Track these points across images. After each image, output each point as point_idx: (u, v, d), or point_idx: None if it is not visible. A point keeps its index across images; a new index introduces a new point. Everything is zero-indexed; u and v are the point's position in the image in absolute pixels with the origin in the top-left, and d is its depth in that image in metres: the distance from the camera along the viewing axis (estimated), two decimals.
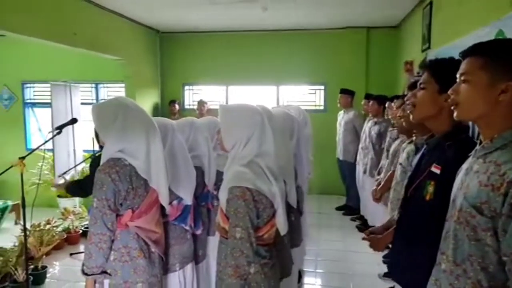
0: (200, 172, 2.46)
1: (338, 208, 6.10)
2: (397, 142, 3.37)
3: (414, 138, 2.80)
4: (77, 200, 5.73)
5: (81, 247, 4.60)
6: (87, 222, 4.92)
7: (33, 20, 4.06)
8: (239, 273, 1.53)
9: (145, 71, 6.81)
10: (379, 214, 4.04)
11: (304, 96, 7.23)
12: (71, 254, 4.36)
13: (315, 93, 7.16)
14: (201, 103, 6.72)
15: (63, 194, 6.51)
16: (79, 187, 3.02)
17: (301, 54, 6.96)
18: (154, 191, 1.93)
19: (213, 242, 2.63)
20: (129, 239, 1.87)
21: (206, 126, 2.63)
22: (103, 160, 1.86)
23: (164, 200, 1.97)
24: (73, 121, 3.22)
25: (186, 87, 7.47)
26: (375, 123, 4.81)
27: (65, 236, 4.55)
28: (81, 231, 4.78)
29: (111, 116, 1.87)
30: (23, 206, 2.98)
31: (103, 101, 2.04)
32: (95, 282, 1.85)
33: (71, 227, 4.70)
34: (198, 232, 2.44)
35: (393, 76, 6.50)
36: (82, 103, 6.26)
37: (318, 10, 5.64)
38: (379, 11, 5.66)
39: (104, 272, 1.82)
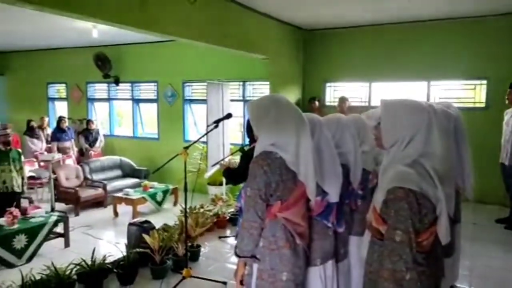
0: (345, 169, 2.42)
1: (499, 221, 5.30)
2: None
3: None
4: (224, 188, 6.26)
5: (228, 232, 5.02)
6: (233, 210, 5.35)
7: (195, 26, 4.58)
8: (396, 277, 1.46)
9: (288, 69, 7.03)
10: None
11: (457, 92, 6.48)
12: (219, 237, 4.79)
13: (474, 88, 6.34)
14: (342, 100, 6.61)
15: (212, 182, 7.25)
16: (233, 174, 3.27)
17: (457, 46, 6.24)
18: (302, 185, 1.98)
19: (355, 241, 2.57)
20: (277, 229, 1.96)
21: (353, 123, 2.57)
22: (256, 153, 1.98)
23: (311, 193, 2.00)
24: (228, 116, 3.53)
25: (327, 84, 7.45)
26: None
27: (215, 220, 5.02)
28: (228, 217, 5.21)
29: (265, 112, 1.98)
30: (185, 190, 3.39)
31: (258, 98, 2.18)
32: (245, 264, 1.99)
33: (220, 212, 5.17)
34: (340, 230, 2.40)
35: None
36: (231, 100, 6.80)
37: None
38: None
39: (253, 256, 1.95)
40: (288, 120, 1.97)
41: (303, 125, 1.99)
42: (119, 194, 6.66)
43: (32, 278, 3.15)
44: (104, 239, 5.68)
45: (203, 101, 8.01)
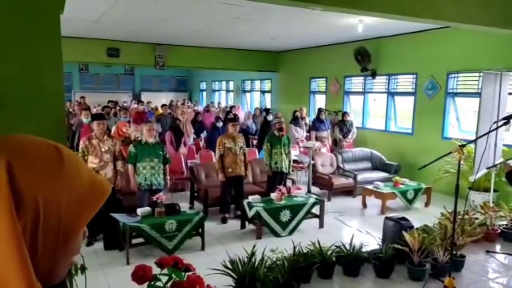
0: None
1: None
2: None
3: None
4: (491, 195, 5.39)
5: (498, 247, 4.30)
6: (505, 222, 4.52)
7: (478, 8, 4.01)
8: None
9: None
10: None
11: None
12: (487, 251, 4.16)
13: None
14: None
15: (475, 187, 6.32)
16: None
17: None
18: None
19: None
20: None
21: None
22: None
23: None
24: None
25: None
26: None
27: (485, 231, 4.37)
28: (499, 230, 4.44)
29: None
30: (456, 194, 3.05)
31: None
32: None
33: (488, 223, 4.46)
34: None
35: None
36: (509, 93, 5.73)
37: None
38: None
39: None
40: None
41: None
42: (369, 186, 6.72)
43: (300, 250, 3.54)
44: (353, 227, 5.87)
45: (471, 94, 7.09)
